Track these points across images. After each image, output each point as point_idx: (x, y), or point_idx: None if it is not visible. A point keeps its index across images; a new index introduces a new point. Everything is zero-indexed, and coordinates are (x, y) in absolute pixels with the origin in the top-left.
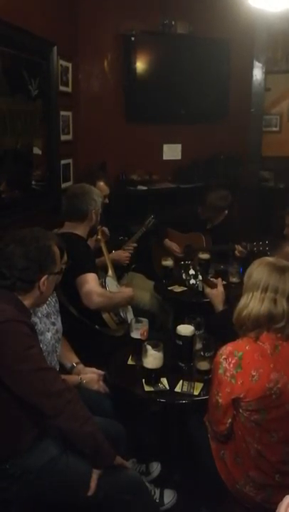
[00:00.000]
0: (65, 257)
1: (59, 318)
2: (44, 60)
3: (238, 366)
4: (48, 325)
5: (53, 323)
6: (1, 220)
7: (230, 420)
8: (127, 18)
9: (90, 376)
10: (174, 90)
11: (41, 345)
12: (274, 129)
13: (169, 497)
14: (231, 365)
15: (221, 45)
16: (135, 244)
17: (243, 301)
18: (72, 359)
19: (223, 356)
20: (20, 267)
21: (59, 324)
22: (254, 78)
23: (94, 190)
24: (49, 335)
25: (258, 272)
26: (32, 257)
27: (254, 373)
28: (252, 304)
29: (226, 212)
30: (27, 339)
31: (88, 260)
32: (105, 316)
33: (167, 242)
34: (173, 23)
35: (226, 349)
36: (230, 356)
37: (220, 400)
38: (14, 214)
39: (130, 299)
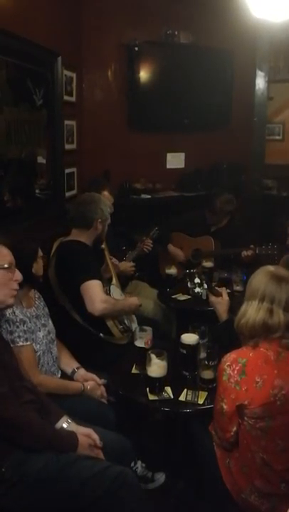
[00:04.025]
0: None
1: (50, 321)
2: (49, 70)
3: (242, 373)
4: (39, 325)
5: (44, 325)
6: (5, 228)
7: (235, 429)
8: (130, 28)
9: (92, 383)
10: (177, 99)
11: (34, 344)
12: (277, 137)
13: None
14: (235, 372)
15: (223, 55)
16: (150, 242)
17: (242, 308)
18: (72, 364)
19: (227, 363)
20: None
21: (50, 326)
22: (257, 87)
23: (102, 200)
24: (41, 334)
25: (257, 280)
26: None
27: (258, 380)
28: (249, 312)
29: (229, 216)
30: None
31: (92, 267)
32: (110, 323)
33: (171, 247)
34: (176, 33)
35: (230, 356)
36: (234, 363)
37: (225, 407)
38: (18, 222)
39: (135, 308)
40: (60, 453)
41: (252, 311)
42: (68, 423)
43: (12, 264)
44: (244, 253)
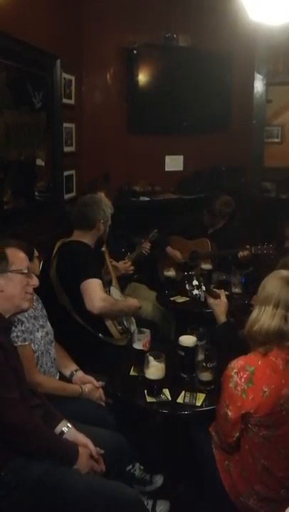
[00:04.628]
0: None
1: (48, 322)
2: (48, 73)
3: (249, 381)
4: (37, 326)
5: (42, 326)
6: (4, 230)
7: (237, 434)
8: (129, 31)
9: (90, 386)
10: (176, 102)
11: (32, 345)
12: (275, 140)
13: (160, 505)
14: (242, 380)
15: (222, 58)
16: (148, 244)
17: (255, 314)
18: (70, 367)
19: (235, 370)
20: None
21: (48, 327)
22: (255, 90)
23: (104, 201)
24: (39, 335)
25: (272, 285)
26: None
27: (266, 389)
28: (263, 318)
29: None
30: None
31: (93, 267)
32: (109, 324)
33: (169, 249)
34: (175, 36)
35: (238, 363)
36: (241, 370)
37: (229, 413)
38: (18, 224)
39: (135, 309)
40: (60, 461)
41: (266, 318)
42: (68, 428)
43: (29, 269)
44: (240, 254)
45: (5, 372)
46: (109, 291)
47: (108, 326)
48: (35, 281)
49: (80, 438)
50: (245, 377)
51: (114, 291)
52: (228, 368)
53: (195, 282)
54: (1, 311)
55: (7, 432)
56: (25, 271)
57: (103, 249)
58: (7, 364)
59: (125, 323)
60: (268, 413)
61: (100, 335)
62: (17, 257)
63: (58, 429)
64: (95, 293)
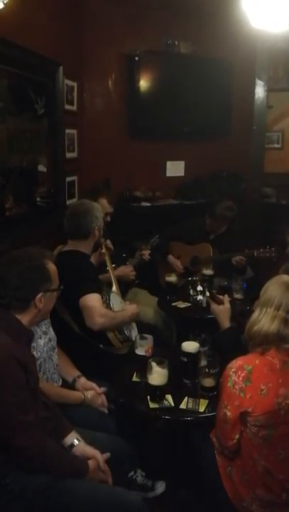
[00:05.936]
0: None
1: (50, 328)
2: (50, 80)
3: (247, 380)
4: (40, 333)
5: (45, 332)
6: (6, 236)
7: (237, 436)
8: (130, 38)
9: (92, 393)
10: (177, 108)
11: (35, 352)
12: (276, 145)
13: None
14: (240, 379)
15: (223, 65)
16: (148, 251)
17: (255, 315)
18: (73, 373)
19: (233, 369)
20: (14, 286)
21: (51, 333)
22: (256, 96)
23: (94, 206)
24: (41, 342)
25: (274, 288)
26: (25, 276)
27: (263, 387)
28: (263, 320)
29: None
30: (10, 385)
31: (92, 280)
32: (110, 335)
33: (171, 258)
34: (176, 43)
35: (236, 363)
36: (239, 370)
37: (228, 413)
38: (20, 230)
39: (135, 316)
40: (69, 477)
41: (266, 320)
42: (78, 441)
43: None
44: (235, 259)
45: (25, 395)
46: (109, 298)
47: (110, 337)
48: (58, 294)
49: (89, 450)
50: (243, 375)
51: (115, 298)
52: (227, 368)
53: (199, 288)
54: (28, 324)
55: (14, 454)
56: (61, 287)
57: (103, 251)
58: (28, 386)
59: (126, 331)
60: (265, 412)
61: (101, 346)
62: (54, 273)
63: (67, 442)
64: (94, 309)
